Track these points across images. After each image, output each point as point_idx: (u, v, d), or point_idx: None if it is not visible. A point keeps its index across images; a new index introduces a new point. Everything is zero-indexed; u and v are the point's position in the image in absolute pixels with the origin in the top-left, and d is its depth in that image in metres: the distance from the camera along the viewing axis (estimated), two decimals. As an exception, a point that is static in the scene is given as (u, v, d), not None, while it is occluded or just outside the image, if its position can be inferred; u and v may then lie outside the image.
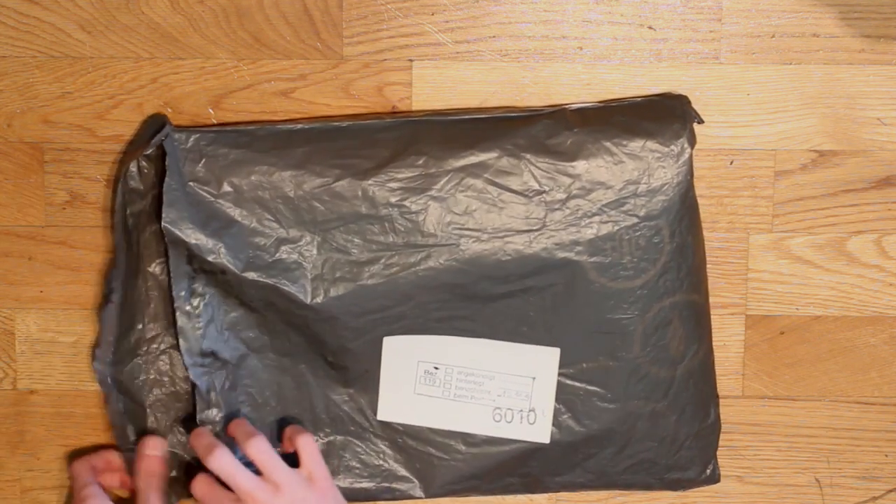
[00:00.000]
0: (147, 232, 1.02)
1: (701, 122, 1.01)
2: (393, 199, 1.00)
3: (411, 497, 1.05)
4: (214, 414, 1.01)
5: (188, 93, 1.03)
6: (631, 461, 1.04)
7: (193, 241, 0.98)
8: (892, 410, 1.07)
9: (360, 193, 0.99)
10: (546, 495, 1.07)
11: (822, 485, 1.08)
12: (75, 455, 1.05)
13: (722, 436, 1.06)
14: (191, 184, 0.98)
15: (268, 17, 1.02)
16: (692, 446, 1.04)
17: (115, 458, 1.03)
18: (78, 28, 1.02)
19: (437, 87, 1.03)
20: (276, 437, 1.04)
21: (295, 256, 1.00)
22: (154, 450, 1.02)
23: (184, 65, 1.03)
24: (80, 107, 1.03)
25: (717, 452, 1.06)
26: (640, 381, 1.03)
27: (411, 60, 1.03)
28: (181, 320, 1.00)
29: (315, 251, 1.00)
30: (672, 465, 1.05)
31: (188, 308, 1.00)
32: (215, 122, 1.03)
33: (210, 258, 0.99)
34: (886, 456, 1.08)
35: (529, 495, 1.07)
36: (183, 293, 0.99)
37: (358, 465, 1.05)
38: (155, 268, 1.02)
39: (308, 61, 1.03)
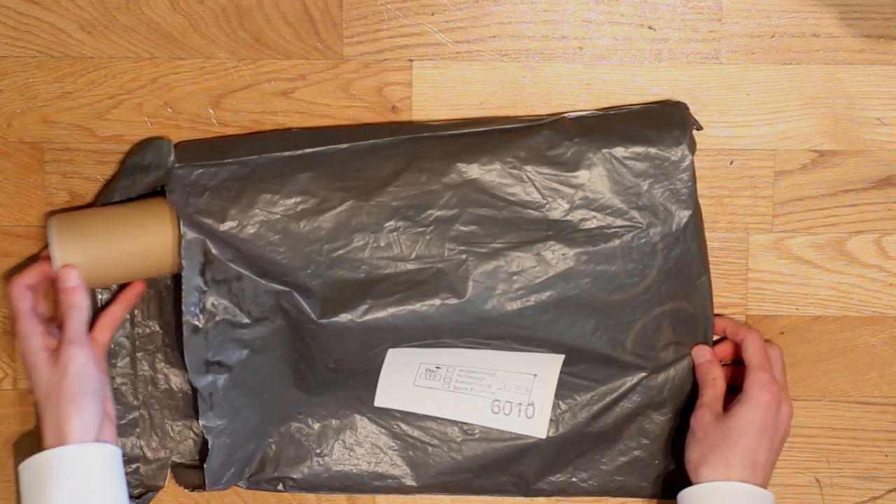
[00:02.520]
0: None
1: (700, 128, 1.01)
2: (397, 218, 0.99)
3: (403, 486, 1.05)
4: (217, 415, 1.01)
5: (188, 93, 1.03)
6: (623, 459, 1.04)
7: (211, 242, 0.97)
8: (892, 410, 1.07)
9: (364, 215, 0.99)
10: (547, 499, 1.07)
11: (822, 485, 1.08)
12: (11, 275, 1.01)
13: (722, 436, 1.06)
14: (195, 216, 0.98)
15: (268, 17, 1.02)
16: (683, 450, 1.04)
17: (49, 268, 0.98)
18: (78, 28, 1.02)
19: (437, 87, 1.03)
20: (270, 421, 1.04)
21: (303, 280, 0.99)
22: (70, 281, 0.97)
23: (184, 65, 1.03)
24: (80, 107, 1.03)
25: (717, 452, 1.06)
26: (637, 383, 1.03)
27: (411, 60, 1.03)
28: (188, 333, 0.99)
29: (323, 274, 0.99)
30: (663, 468, 1.05)
31: (196, 323, 0.99)
32: (216, 122, 1.03)
33: (226, 260, 0.98)
34: (886, 456, 1.08)
35: (532, 498, 1.07)
36: (193, 308, 0.99)
37: (352, 450, 1.05)
38: None
39: (308, 61, 1.03)
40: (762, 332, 1.05)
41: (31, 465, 0.95)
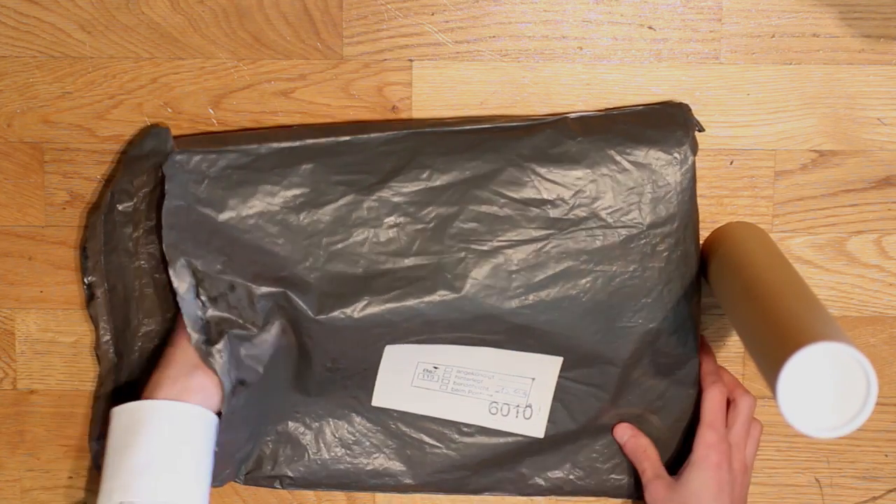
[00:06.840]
0: (140, 230, 1.02)
1: (702, 130, 1.01)
2: (398, 214, 0.99)
3: (400, 484, 1.05)
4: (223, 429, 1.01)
5: (188, 93, 1.03)
6: (620, 459, 1.05)
7: (196, 259, 0.97)
8: (892, 410, 1.07)
9: (365, 209, 0.99)
10: (545, 498, 1.07)
11: (822, 485, 1.08)
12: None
13: (722, 436, 1.06)
14: (193, 206, 0.97)
15: (268, 17, 1.02)
16: (682, 451, 1.04)
17: None
18: (78, 28, 1.02)
19: (437, 87, 1.03)
20: (268, 420, 1.04)
21: (301, 273, 0.99)
22: None
23: (184, 65, 1.03)
24: (80, 107, 1.03)
25: (717, 452, 1.06)
26: (636, 386, 1.03)
27: (411, 60, 1.03)
28: (203, 357, 0.96)
29: (321, 268, 0.99)
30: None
31: (214, 354, 0.96)
32: (216, 122, 1.03)
33: (215, 273, 0.97)
34: (886, 456, 1.08)
35: (531, 497, 1.07)
36: (203, 346, 0.96)
37: (349, 448, 1.05)
38: (148, 264, 1.02)
39: (308, 61, 1.03)
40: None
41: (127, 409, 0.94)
